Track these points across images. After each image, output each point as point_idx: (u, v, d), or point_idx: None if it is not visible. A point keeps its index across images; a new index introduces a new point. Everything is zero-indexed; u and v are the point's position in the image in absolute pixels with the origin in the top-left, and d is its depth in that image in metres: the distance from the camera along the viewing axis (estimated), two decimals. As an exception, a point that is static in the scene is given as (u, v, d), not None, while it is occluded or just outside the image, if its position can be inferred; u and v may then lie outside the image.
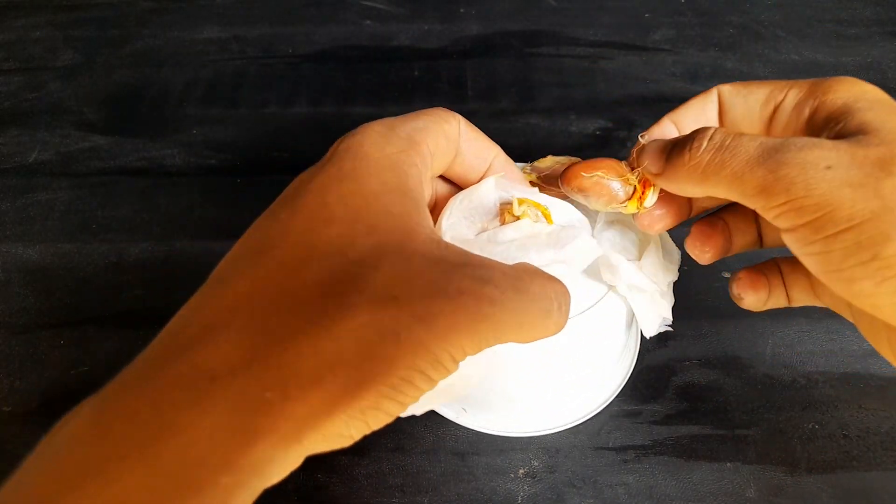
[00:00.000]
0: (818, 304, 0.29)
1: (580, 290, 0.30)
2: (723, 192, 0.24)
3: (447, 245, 0.21)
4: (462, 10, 0.66)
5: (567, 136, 0.53)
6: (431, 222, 0.22)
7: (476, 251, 0.23)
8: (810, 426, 0.37)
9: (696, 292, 0.42)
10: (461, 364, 0.20)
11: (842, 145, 0.22)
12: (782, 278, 0.29)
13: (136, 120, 0.56)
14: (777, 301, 0.29)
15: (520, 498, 0.35)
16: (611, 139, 0.53)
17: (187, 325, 0.20)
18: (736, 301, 0.30)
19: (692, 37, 0.63)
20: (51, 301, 0.43)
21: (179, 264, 0.45)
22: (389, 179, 0.22)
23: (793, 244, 0.23)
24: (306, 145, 0.53)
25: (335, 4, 0.67)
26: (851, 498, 0.34)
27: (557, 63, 0.60)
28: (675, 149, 0.25)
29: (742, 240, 0.29)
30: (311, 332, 0.18)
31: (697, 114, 0.29)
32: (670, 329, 0.32)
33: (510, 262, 0.22)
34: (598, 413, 0.37)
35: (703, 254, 0.29)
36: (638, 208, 0.29)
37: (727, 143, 0.23)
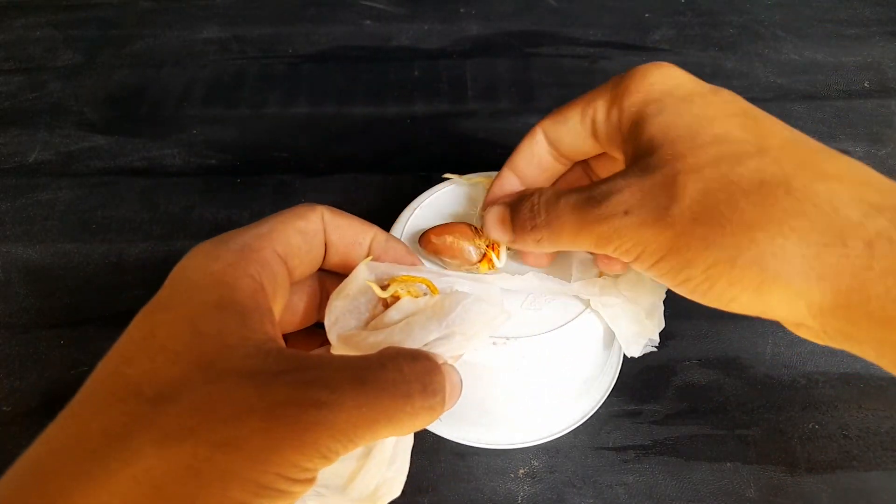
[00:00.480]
0: None
1: (556, 309, 0.30)
2: (570, 249, 0.26)
3: (276, 353, 0.19)
4: (462, 10, 0.66)
5: (567, 136, 0.53)
6: (265, 333, 0.20)
7: (367, 343, 0.23)
8: (810, 426, 0.37)
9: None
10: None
11: (632, 181, 0.24)
12: None
13: (136, 120, 0.56)
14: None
15: (520, 498, 0.35)
16: (611, 139, 0.53)
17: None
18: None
19: (692, 37, 0.63)
20: (51, 301, 0.43)
21: (179, 264, 0.45)
22: (209, 298, 0.20)
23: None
24: (306, 145, 0.53)
25: (335, 4, 0.67)
26: (851, 498, 0.34)
27: (557, 63, 0.60)
28: (515, 220, 0.27)
29: None
30: (88, 487, 0.17)
31: (529, 158, 0.30)
32: (654, 349, 0.32)
33: (396, 346, 0.21)
34: (599, 413, 0.37)
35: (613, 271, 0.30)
36: (491, 268, 0.31)
37: (549, 212, 0.26)
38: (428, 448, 0.36)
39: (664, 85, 0.26)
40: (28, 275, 0.45)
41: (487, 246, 0.31)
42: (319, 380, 0.18)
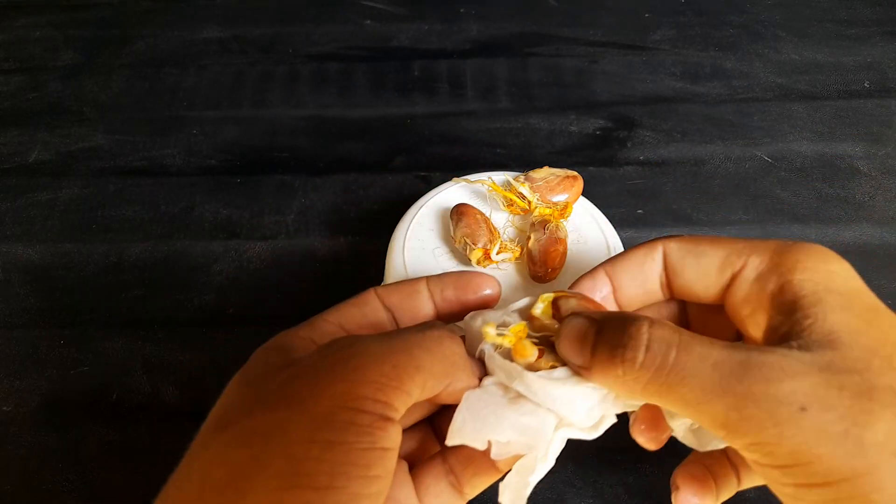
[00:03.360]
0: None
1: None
2: (668, 408, 0.21)
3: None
4: (462, 10, 0.66)
5: (567, 136, 0.53)
6: None
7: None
8: (810, 426, 0.37)
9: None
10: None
11: (814, 372, 0.19)
12: (729, 461, 0.26)
13: (136, 120, 0.56)
14: (728, 491, 0.26)
15: (520, 498, 0.35)
16: (610, 139, 0.53)
17: None
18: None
19: (692, 37, 0.63)
20: (51, 301, 0.43)
21: (179, 264, 0.45)
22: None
23: (762, 477, 0.20)
24: (306, 145, 0.53)
25: (335, 4, 0.67)
26: (851, 498, 0.34)
27: (557, 63, 0.60)
28: (602, 346, 0.21)
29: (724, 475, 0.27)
30: None
31: (636, 271, 0.25)
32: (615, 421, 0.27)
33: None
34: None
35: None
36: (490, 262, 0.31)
37: (671, 358, 0.20)
38: (428, 448, 0.36)
39: (844, 281, 0.22)
40: (28, 275, 0.45)
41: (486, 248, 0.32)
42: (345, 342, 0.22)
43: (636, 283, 0.25)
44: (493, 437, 0.22)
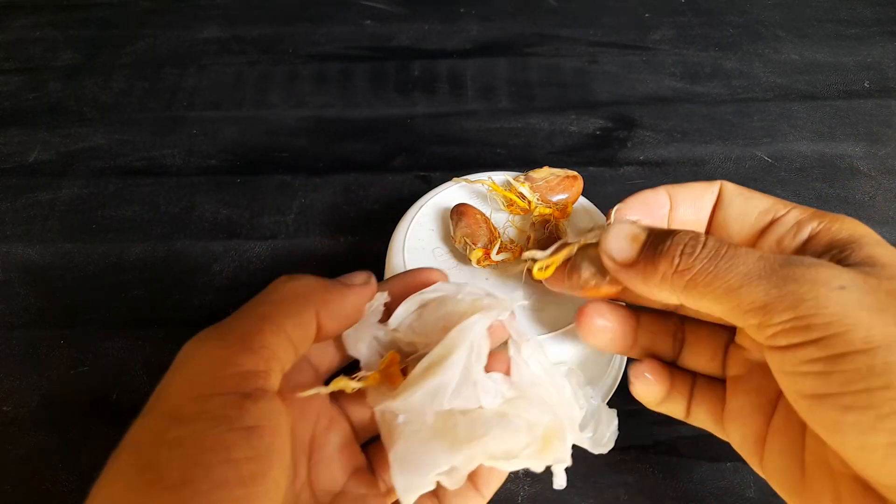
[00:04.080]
0: (719, 434, 0.27)
1: (559, 310, 0.30)
2: (707, 305, 0.22)
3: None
4: (462, 10, 0.66)
5: (567, 136, 0.53)
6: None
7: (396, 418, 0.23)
8: (810, 426, 0.37)
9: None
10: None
11: (852, 271, 0.20)
12: (691, 390, 0.27)
13: (136, 120, 0.56)
14: (672, 408, 0.27)
15: (520, 498, 0.35)
16: (610, 139, 0.53)
17: None
18: (629, 384, 0.27)
19: (692, 37, 0.63)
20: (51, 301, 0.43)
21: (179, 264, 0.45)
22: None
23: (784, 361, 0.20)
24: (306, 145, 0.53)
25: (335, 4, 0.67)
26: (851, 498, 0.34)
27: (557, 63, 0.60)
28: (657, 245, 0.23)
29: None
30: None
31: (695, 197, 0.27)
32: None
33: None
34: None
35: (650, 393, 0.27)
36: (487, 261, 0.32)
37: (723, 252, 0.21)
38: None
39: (878, 237, 0.23)
40: (28, 275, 0.45)
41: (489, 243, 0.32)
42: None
43: (691, 209, 0.26)
44: (435, 473, 0.22)
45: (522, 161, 0.51)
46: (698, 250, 0.22)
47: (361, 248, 0.46)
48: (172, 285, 0.44)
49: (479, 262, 0.33)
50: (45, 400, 0.38)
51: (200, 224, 0.48)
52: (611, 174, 0.50)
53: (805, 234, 0.24)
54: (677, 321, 0.28)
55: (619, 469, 0.35)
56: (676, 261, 0.22)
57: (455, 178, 0.37)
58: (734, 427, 0.25)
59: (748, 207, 0.25)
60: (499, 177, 0.37)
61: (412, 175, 0.51)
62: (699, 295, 0.22)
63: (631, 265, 0.23)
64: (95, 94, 0.58)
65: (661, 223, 0.27)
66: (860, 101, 0.56)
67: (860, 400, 0.18)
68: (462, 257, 0.34)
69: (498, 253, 0.32)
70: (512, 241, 0.35)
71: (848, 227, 0.23)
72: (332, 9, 0.66)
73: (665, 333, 0.27)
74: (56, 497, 0.34)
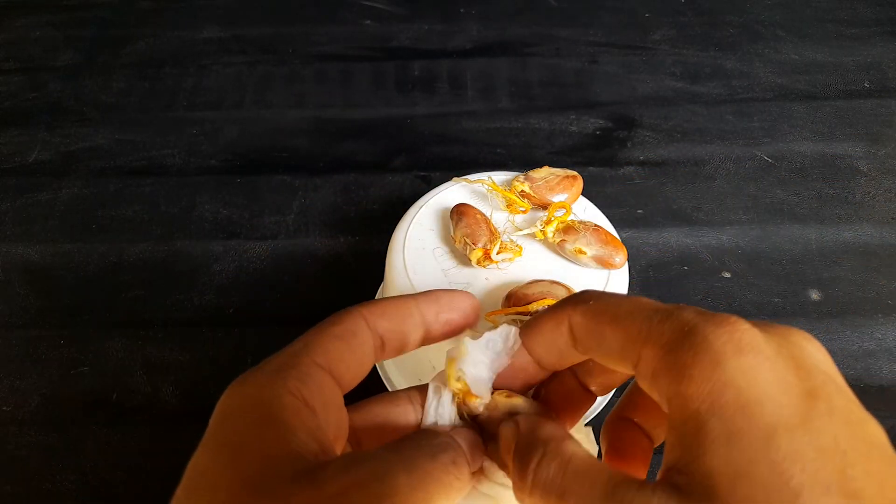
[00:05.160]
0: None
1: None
2: None
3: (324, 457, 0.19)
4: (462, 10, 0.66)
5: (567, 136, 0.53)
6: (314, 442, 0.20)
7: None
8: (810, 426, 0.37)
9: (695, 292, 0.42)
10: None
11: None
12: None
13: (136, 120, 0.56)
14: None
15: None
16: (610, 139, 0.53)
17: None
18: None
19: (692, 37, 0.63)
20: (51, 301, 0.43)
21: (179, 264, 0.45)
22: (247, 420, 0.20)
23: None
24: (306, 145, 0.53)
25: (335, 4, 0.67)
26: (851, 498, 0.34)
27: (557, 63, 0.60)
28: (518, 461, 0.21)
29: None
30: None
31: (550, 344, 0.23)
32: None
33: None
34: (600, 414, 0.37)
35: None
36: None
37: (558, 482, 0.19)
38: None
39: (743, 391, 0.17)
40: (28, 275, 0.45)
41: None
42: (371, 473, 0.18)
43: (550, 353, 0.23)
44: None
45: (522, 161, 0.51)
46: (531, 477, 0.20)
47: (361, 248, 0.46)
48: (172, 285, 0.44)
49: (479, 262, 0.33)
50: (45, 400, 0.38)
51: (200, 224, 0.48)
52: (611, 174, 0.50)
53: (660, 400, 0.19)
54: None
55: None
56: (529, 478, 0.20)
57: (455, 178, 0.37)
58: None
59: (605, 350, 0.21)
60: (499, 177, 0.37)
61: (412, 175, 0.51)
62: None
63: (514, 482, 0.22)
64: (95, 94, 0.58)
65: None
66: (860, 101, 0.56)
67: None
68: (462, 257, 0.34)
69: (498, 253, 0.32)
70: (512, 241, 0.35)
71: (696, 394, 0.17)
72: (332, 9, 0.66)
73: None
74: (56, 497, 0.34)
